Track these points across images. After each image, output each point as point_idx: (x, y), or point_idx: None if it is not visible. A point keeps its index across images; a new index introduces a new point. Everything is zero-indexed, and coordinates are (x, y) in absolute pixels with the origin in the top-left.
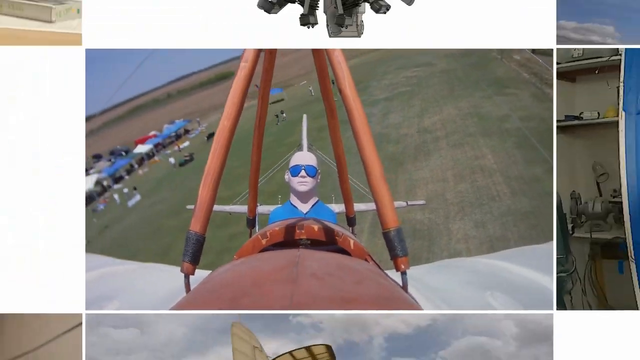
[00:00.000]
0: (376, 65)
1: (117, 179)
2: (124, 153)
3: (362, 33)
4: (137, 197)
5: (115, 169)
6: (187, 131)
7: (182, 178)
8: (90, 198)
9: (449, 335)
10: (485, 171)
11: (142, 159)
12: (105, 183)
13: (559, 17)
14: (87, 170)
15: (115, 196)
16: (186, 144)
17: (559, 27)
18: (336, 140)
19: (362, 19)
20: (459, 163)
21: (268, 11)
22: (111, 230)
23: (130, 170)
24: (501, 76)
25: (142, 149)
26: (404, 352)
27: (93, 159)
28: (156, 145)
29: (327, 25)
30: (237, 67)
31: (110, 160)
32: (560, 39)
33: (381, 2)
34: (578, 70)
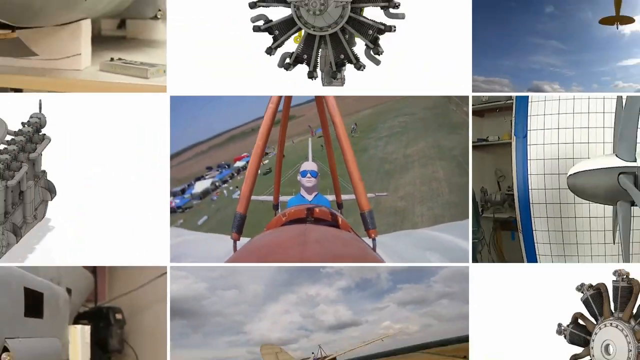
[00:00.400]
0: (382, 114)
1: (224, 182)
2: (227, 166)
3: (344, 83)
4: (238, 192)
5: (223, 176)
6: (266, 153)
7: (264, 181)
8: (207, 192)
9: (435, 266)
10: (437, 180)
11: (239, 170)
12: (217, 184)
13: (473, 73)
14: (203, 176)
15: (224, 191)
16: (266, 161)
17: (473, 80)
18: (330, 155)
19: (344, 74)
20: (423, 175)
21: (287, 69)
22: (221, 212)
23: (232, 176)
24: (455, 121)
25: (239, 163)
26: (405, 281)
27: (206, 169)
28: (248, 162)
29: (322, 78)
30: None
31: (218, 170)
32: (474, 88)
33: (360, 64)
34: (486, 110)
